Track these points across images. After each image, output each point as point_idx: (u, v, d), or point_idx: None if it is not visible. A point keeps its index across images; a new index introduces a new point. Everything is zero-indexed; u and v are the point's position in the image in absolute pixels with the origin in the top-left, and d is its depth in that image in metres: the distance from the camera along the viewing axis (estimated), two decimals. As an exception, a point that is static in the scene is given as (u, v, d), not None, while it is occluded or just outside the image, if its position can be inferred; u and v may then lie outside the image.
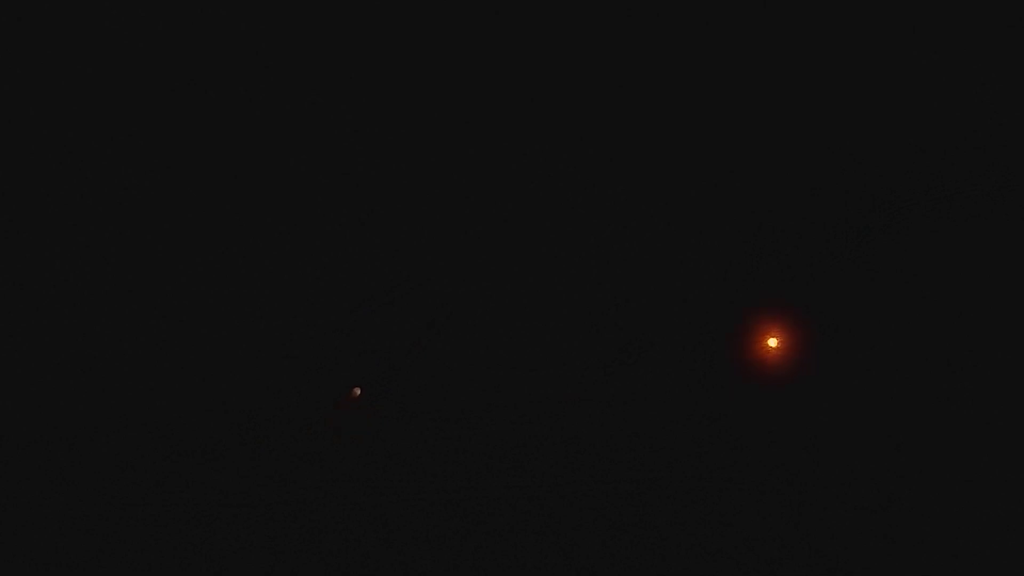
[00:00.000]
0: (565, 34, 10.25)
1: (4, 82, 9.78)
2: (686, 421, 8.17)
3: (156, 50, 9.86)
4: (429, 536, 4.94)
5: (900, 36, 10.43)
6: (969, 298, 11.11)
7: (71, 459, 7.42)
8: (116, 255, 10.23)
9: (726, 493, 5.56)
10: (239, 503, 6.63)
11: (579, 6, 10.23)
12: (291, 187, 10.30)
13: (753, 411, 8.34)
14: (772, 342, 10.80)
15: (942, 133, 10.58)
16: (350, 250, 10.73)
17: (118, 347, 9.38)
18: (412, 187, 10.53)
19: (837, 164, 10.97)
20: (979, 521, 4.89)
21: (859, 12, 10.34)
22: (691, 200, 11.29)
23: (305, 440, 8.23)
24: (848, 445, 6.81)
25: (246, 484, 6.96)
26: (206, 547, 5.13)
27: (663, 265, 12.50)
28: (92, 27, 9.79)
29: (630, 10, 10.21)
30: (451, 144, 10.47)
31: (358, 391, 9.14)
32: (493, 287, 13.05)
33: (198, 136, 10.00)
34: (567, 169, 11.03)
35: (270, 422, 8.72)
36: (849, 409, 8.36)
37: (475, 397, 9.68)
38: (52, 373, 8.90)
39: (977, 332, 10.25)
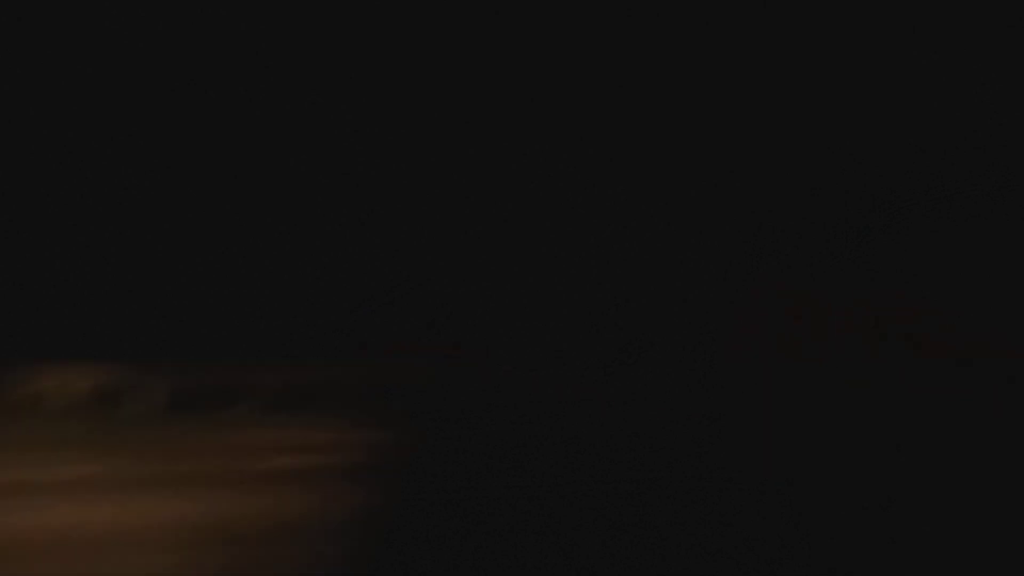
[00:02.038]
0: (565, 34, 10.26)
1: (4, 82, 9.80)
2: (686, 421, 8.18)
3: (156, 50, 9.87)
4: (429, 536, 4.94)
5: (900, 36, 10.44)
6: (969, 298, 11.13)
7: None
8: (115, 255, 10.21)
9: (726, 493, 5.57)
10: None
11: (579, 6, 10.24)
12: (291, 187, 10.29)
13: (753, 410, 8.35)
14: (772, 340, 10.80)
15: (942, 133, 10.58)
16: (350, 250, 10.72)
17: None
18: (412, 187, 10.53)
19: (837, 164, 10.97)
20: (979, 521, 4.90)
21: (859, 12, 10.34)
22: (691, 200, 11.28)
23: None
24: (848, 445, 6.84)
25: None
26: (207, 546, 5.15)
27: (663, 265, 12.50)
28: (92, 27, 9.81)
29: (630, 10, 10.22)
30: (451, 144, 10.48)
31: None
32: (493, 287, 13.05)
33: (198, 136, 10.00)
34: (567, 169, 11.03)
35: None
36: (849, 408, 8.37)
37: (475, 397, 9.68)
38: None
39: (977, 332, 10.27)
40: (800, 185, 10.96)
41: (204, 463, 8.64)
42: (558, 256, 12.01)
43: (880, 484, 5.63)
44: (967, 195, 10.67)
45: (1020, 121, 10.24)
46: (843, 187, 10.87)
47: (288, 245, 10.50)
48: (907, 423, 7.54)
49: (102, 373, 11.73)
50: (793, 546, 4.49)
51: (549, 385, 9.88)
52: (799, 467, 6.05)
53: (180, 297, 12.18)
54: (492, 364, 10.39)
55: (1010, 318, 10.39)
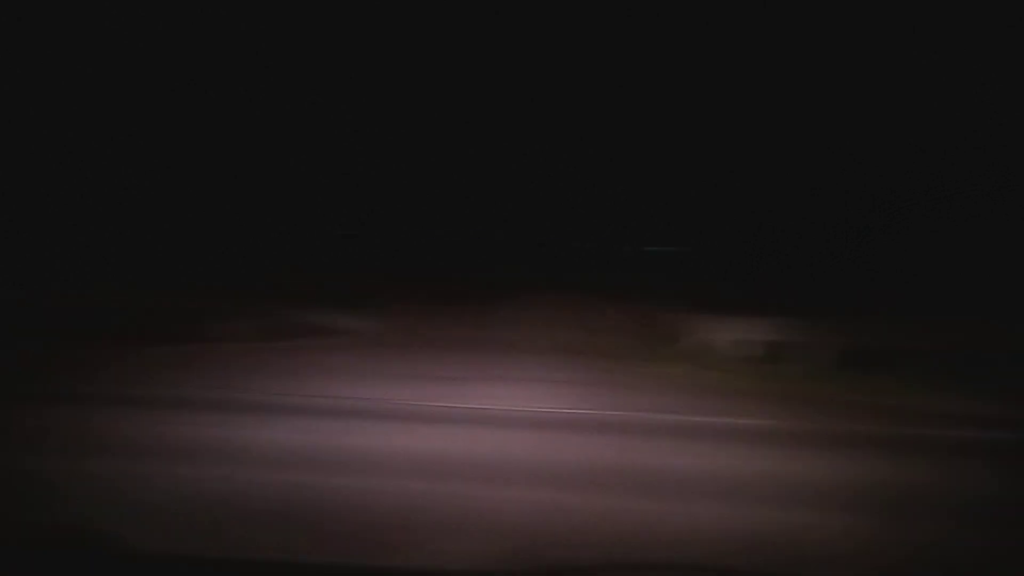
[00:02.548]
0: (565, 34, 10.26)
1: (4, 82, 9.80)
2: (686, 421, 8.20)
3: (156, 50, 9.87)
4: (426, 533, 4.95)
5: (900, 36, 10.44)
6: (969, 298, 11.13)
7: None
8: (115, 255, 10.21)
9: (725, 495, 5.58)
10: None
11: (579, 6, 10.24)
12: (291, 187, 10.29)
13: (752, 411, 8.34)
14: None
15: (942, 133, 10.59)
16: (350, 249, 10.72)
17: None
18: (412, 187, 10.53)
19: (837, 164, 10.97)
20: (977, 519, 4.91)
21: (859, 12, 10.35)
22: (691, 200, 11.28)
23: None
24: (846, 445, 6.85)
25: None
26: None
27: (663, 265, 12.49)
28: (92, 27, 9.81)
29: (630, 10, 10.22)
30: (451, 144, 10.48)
31: None
32: (493, 286, 13.00)
33: (198, 136, 10.00)
34: (567, 169, 11.03)
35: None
36: (848, 408, 8.37)
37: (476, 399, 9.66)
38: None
39: (977, 332, 10.26)
40: (800, 185, 10.96)
41: (868, 424, 8.44)
42: (558, 256, 12.00)
43: (883, 487, 5.64)
44: (967, 195, 10.67)
45: (1020, 121, 10.25)
46: (843, 187, 10.87)
47: (287, 244, 10.48)
48: (906, 423, 7.57)
49: (772, 328, 11.37)
50: (783, 542, 4.51)
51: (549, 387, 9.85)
52: (798, 466, 6.06)
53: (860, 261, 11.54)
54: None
55: (1010, 318, 10.37)
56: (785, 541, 4.96)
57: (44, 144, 9.87)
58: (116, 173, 10.49)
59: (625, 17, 9.93)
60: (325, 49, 9.91)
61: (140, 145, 10.44)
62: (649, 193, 12.96)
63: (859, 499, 5.90)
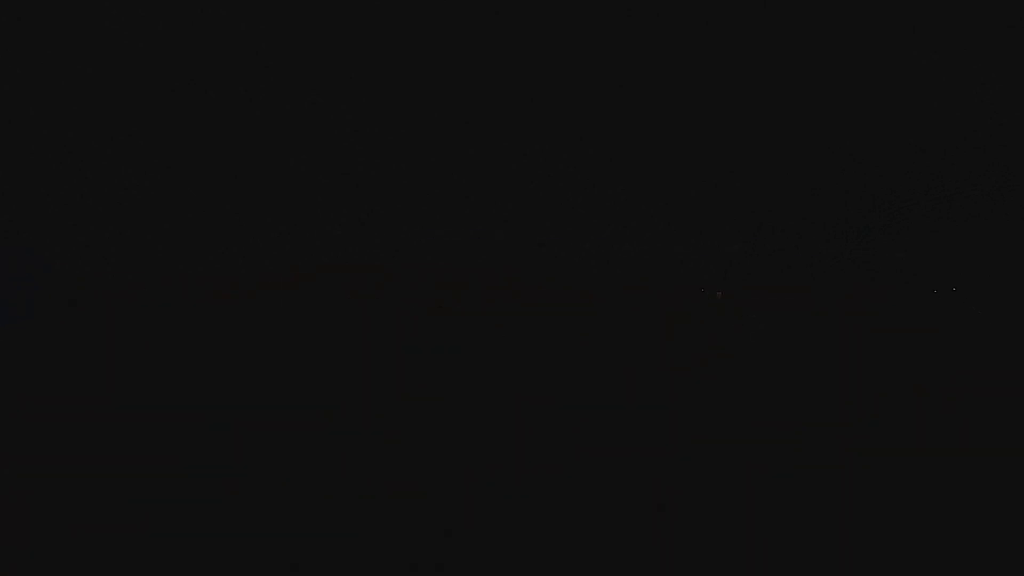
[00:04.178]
0: (565, 34, 10.27)
1: (4, 82, 9.81)
2: (686, 423, 8.20)
3: (156, 50, 9.89)
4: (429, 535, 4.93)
5: (900, 36, 10.45)
6: (969, 299, 11.12)
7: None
8: (115, 255, 10.23)
9: (724, 496, 5.57)
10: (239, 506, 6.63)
11: (579, 6, 10.25)
12: (291, 187, 10.32)
13: (752, 412, 8.35)
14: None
15: (942, 133, 10.60)
16: (350, 250, 10.73)
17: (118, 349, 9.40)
18: (412, 187, 10.54)
19: (837, 164, 10.99)
20: (979, 521, 4.90)
21: (859, 12, 10.35)
22: (691, 200, 11.30)
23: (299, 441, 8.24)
24: (845, 446, 6.83)
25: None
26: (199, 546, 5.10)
27: (663, 265, 12.51)
28: (92, 27, 9.82)
29: (630, 10, 10.23)
30: (451, 144, 10.49)
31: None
32: (492, 287, 13.05)
33: (198, 136, 10.02)
34: (567, 169, 11.04)
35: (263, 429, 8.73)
36: (847, 411, 8.38)
37: (475, 401, 9.68)
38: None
39: (977, 333, 10.26)
40: (800, 185, 10.97)
41: None
42: (558, 256, 12.02)
43: (879, 484, 5.63)
44: (967, 195, 10.67)
45: (1020, 121, 10.25)
46: (843, 187, 10.88)
47: (287, 245, 10.49)
48: (906, 425, 7.56)
49: None
50: (788, 544, 4.49)
51: (549, 389, 9.85)
52: (797, 468, 6.05)
53: None
54: (492, 367, 10.31)
55: (1010, 318, 10.37)
56: None
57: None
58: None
59: (625, 17, 9.92)
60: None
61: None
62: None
63: None
